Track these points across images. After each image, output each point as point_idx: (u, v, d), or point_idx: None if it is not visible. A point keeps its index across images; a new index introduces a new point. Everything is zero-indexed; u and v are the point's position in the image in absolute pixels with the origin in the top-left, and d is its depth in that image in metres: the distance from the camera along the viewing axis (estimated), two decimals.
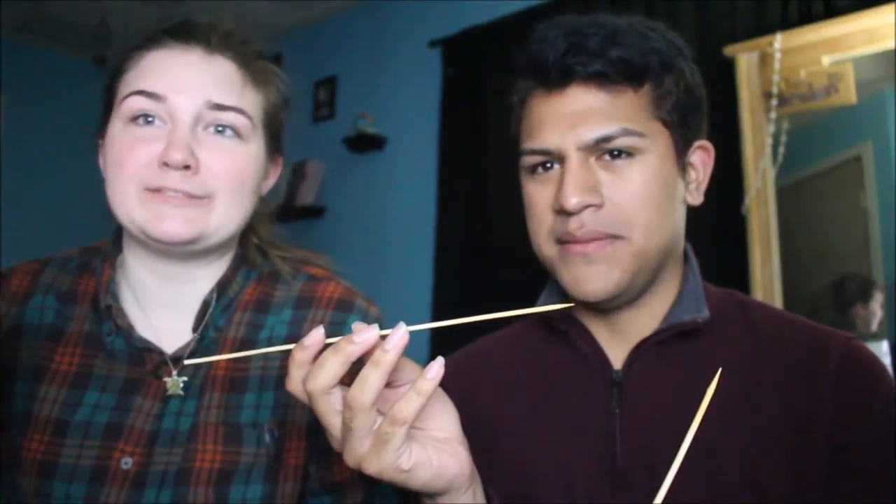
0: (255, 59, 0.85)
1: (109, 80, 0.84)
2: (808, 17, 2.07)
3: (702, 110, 0.81)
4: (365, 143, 3.27)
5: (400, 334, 0.54)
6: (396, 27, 3.32)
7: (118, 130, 0.79)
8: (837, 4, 2.02)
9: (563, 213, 0.75)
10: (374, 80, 3.37)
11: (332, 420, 0.57)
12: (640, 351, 0.78)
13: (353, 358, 0.55)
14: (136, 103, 0.78)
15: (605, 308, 0.80)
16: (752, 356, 0.76)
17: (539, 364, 0.85)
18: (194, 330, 0.84)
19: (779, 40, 2.03)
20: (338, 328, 0.87)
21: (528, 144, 0.78)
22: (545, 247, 0.79)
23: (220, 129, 0.80)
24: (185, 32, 0.82)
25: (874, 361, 0.74)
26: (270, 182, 0.91)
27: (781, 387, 0.74)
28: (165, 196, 0.77)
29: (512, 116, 0.84)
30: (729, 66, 2.13)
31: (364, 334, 0.54)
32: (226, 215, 0.80)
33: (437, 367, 0.55)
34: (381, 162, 3.30)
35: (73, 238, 0.89)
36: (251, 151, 0.82)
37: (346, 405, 0.55)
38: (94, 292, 0.86)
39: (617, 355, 0.80)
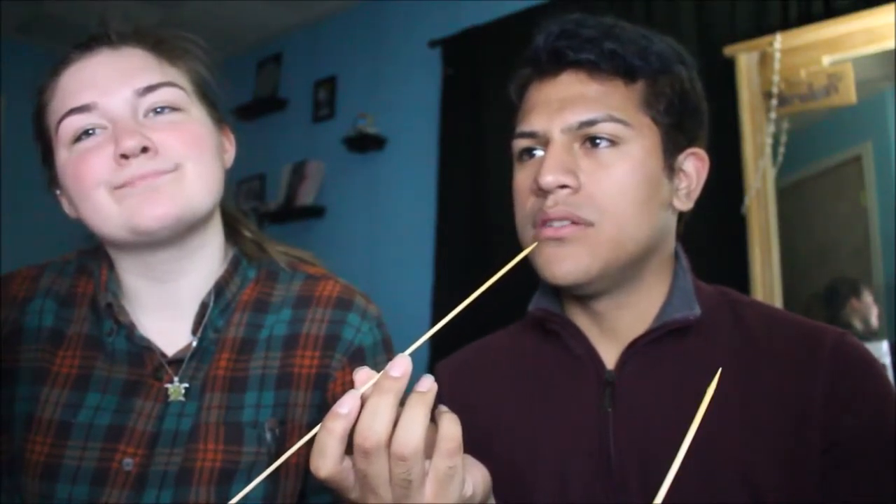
0: (161, 39, 0.84)
1: (36, 126, 0.84)
2: (808, 17, 2.07)
3: (700, 119, 0.82)
4: (365, 143, 3.27)
5: (405, 361, 0.52)
6: (396, 27, 3.32)
7: (65, 157, 0.79)
8: (837, 4, 2.02)
9: (540, 193, 0.76)
10: (374, 80, 3.37)
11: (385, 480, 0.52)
12: (633, 351, 0.78)
13: (402, 393, 0.51)
14: (72, 123, 0.78)
15: (585, 298, 0.80)
16: (745, 354, 0.76)
17: (532, 366, 0.85)
18: (193, 332, 0.84)
19: (779, 40, 2.03)
20: (337, 326, 0.87)
21: (518, 128, 0.80)
22: (525, 231, 0.80)
23: (158, 110, 0.80)
24: (85, 42, 0.82)
25: (867, 357, 0.74)
26: (230, 154, 0.90)
27: (774, 384, 0.74)
28: (135, 184, 0.76)
29: (513, 109, 0.85)
30: (729, 66, 2.13)
31: (400, 366, 0.51)
32: (200, 181, 0.79)
33: (430, 381, 0.53)
34: (381, 162, 3.30)
35: (73, 238, 0.89)
36: (197, 119, 0.82)
37: (360, 449, 0.51)
38: (92, 294, 0.86)
39: (609, 355, 0.80)
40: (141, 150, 0.76)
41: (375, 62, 3.38)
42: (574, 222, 0.75)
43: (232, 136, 0.91)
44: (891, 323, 1.85)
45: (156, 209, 0.76)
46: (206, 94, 0.86)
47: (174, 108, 0.80)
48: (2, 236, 3.27)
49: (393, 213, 3.21)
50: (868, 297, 1.89)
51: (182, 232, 0.80)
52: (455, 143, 2.95)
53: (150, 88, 0.79)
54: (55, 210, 0.86)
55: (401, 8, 3.30)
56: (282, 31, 3.75)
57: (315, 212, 3.45)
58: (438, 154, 3.01)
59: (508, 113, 0.86)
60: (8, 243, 3.21)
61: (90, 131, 0.77)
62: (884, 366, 1.70)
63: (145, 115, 0.79)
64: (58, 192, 0.84)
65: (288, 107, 3.70)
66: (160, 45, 0.83)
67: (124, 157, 0.75)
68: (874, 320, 1.89)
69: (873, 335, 1.85)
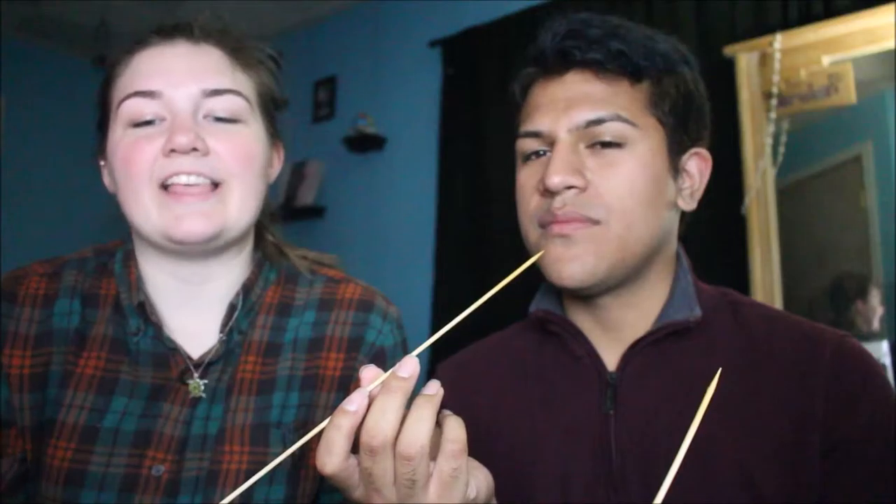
0: (241, 43, 0.85)
1: (102, 93, 0.83)
2: (808, 17, 2.07)
3: (703, 119, 0.82)
4: (365, 143, 3.27)
5: (413, 362, 0.52)
6: (396, 27, 3.32)
7: (119, 136, 0.79)
8: (837, 4, 2.02)
9: (547, 193, 0.76)
10: (374, 80, 3.37)
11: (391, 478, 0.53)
12: (634, 352, 0.78)
13: (410, 393, 0.52)
14: (134, 105, 0.78)
15: (589, 298, 0.80)
16: (746, 355, 0.76)
17: (534, 367, 0.85)
18: (220, 332, 0.84)
19: (779, 40, 2.03)
20: (360, 328, 0.88)
21: (523, 127, 0.80)
22: (530, 232, 0.79)
23: (218, 117, 0.80)
24: (168, 29, 0.82)
25: (867, 359, 0.74)
26: (276, 169, 0.91)
27: (775, 385, 0.74)
28: (180, 195, 0.76)
29: (514, 108, 0.84)
30: (729, 66, 2.13)
31: (408, 366, 0.52)
32: (242, 202, 0.79)
33: (437, 385, 0.54)
34: (381, 162, 3.30)
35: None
36: (253, 132, 0.82)
37: (366, 447, 0.51)
38: (115, 295, 0.84)
39: (611, 357, 0.80)
40: (191, 148, 0.76)
41: (375, 62, 3.38)
42: (584, 224, 0.75)
43: (282, 151, 0.92)
44: (891, 323, 1.85)
45: (193, 226, 0.76)
46: (268, 108, 0.87)
47: (233, 119, 0.80)
48: (2, 236, 3.27)
49: (393, 213, 3.21)
50: (874, 299, 1.89)
51: (220, 247, 0.81)
52: (455, 143, 2.95)
53: (216, 92, 0.79)
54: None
55: (401, 8, 3.30)
56: (282, 31, 3.75)
57: (315, 212, 3.45)
58: (438, 154, 3.01)
59: (508, 113, 0.86)
60: (8, 243, 3.21)
61: (150, 121, 0.78)
62: (884, 366, 1.70)
63: (205, 117, 0.79)
64: (102, 163, 0.84)
65: (288, 106, 3.70)
66: (238, 50, 0.84)
67: (173, 151, 0.76)
68: (876, 321, 1.89)
69: (874, 335, 1.85)
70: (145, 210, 0.77)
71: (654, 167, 0.76)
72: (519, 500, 0.78)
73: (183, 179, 0.76)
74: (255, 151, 0.81)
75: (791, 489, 0.70)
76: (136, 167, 0.77)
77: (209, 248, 0.80)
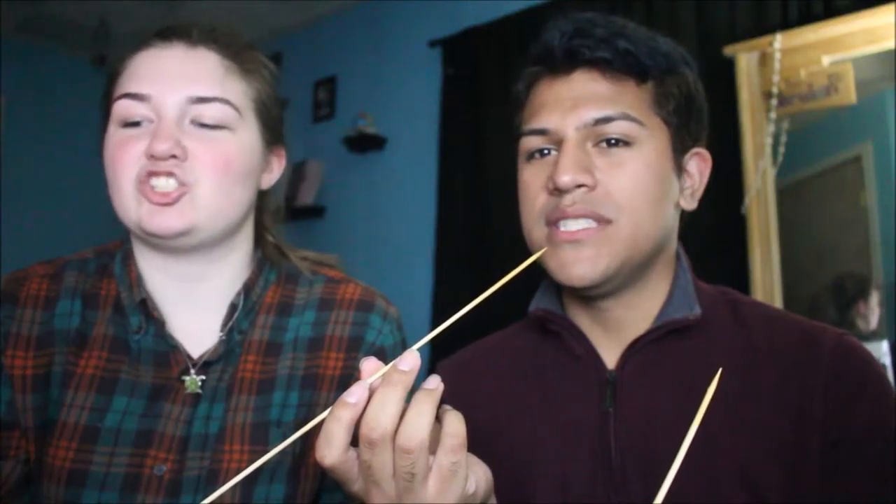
0: (239, 49, 0.85)
1: (106, 88, 0.85)
2: (808, 17, 2.07)
3: (703, 120, 0.82)
4: (365, 143, 3.28)
5: (414, 356, 0.52)
6: (396, 27, 3.32)
7: (112, 133, 0.81)
8: (837, 4, 2.02)
9: (555, 192, 0.76)
10: (374, 80, 3.37)
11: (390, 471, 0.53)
12: (633, 350, 0.78)
13: (410, 387, 0.52)
14: (124, 107, 0.80)
15: (591, 299, 0.80)
16: (745, 353, 0.77)
17: (533, 366, 0.85)
18: (221, 332, 0.85)
19: (779, 40, 2.03)
20: (360, 328, 0.88)
21: (528, 125, 0.80)
22: (535, 230, 0.79)
23: (204, 123, 0.80)
24: (168, 31, 0.83)
25: (866, 357, 0.74)
26: (274, 175, 0.91)
27: (774, 384, 0.74)
28: (154, 195, 0.78)
29: (515, 106, 0.84)
30: (729, 66, 2.13)
31: (409, 360, 0.52)
32: (213, 204, 0.80)
33: (437, 379, 0.54)
34: (381, 162, 3.30)
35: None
36: (240, 140, 0.82)
37: (365, 439, 0.51)
38: (115, 295, 0.85)
39: (610, 355, 0.80)
40: (170, 156, 0.77)
41: (375, 62, 3.39)
42: (596, 220, 0.75)
43: (283, 157, 0.92)
44: (891, 323, 1.85)
45: (164, 220, 0.78)
46: (263, 114, 0.87)
47: (218, 126, 0.81)
48: (2, 236, 3.27)
49: (393, 213, 3.21)
50: (874, 300, 1.89)
51: (197, 245, 0.81)
52: (455, 143, 2.95)
53: (203, 100, 0.80)
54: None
55: (401, 8, 3.30)
56: (282, 31, 3.75)
57: (315, 212, 3.45)
58: (438, 154, 3.01)
59: (508, 113, 0.86)
60: (8, 243, 3.21)
61: (138, 122, 0.80)
62: (883, 366, 1.70)
63: (191, 122, 0.80)
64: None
65: (288, 107, 3.70)
66: (236, 55, 0.84)
67: (153, 157, 0.77)
68: (874, 320, 1.89)
69: (873, 335, 1.85)
70: (125, 203, 0.79)
71: (660, 166, 0.76)
72: (519, 499, 0.78)
73: (161, 182, 0.78)
74: (235, 158, 0.81)
75: (791, 487, 0.70)
76: (121, 165, 0.79)
77: (186, 245, 0.81)
